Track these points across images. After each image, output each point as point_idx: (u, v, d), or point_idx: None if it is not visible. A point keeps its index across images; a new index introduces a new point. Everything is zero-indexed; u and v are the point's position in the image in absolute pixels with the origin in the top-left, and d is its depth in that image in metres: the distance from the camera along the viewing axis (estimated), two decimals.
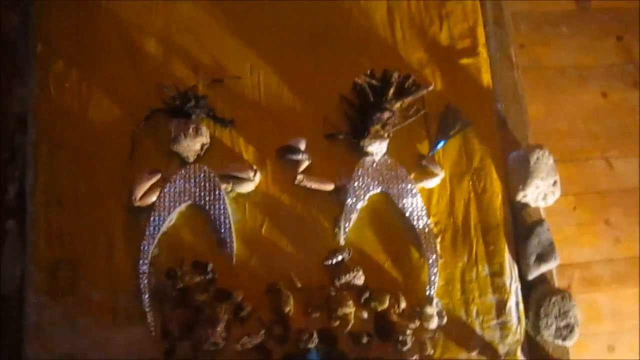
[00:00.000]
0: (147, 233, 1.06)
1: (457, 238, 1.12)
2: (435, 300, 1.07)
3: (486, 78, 1.21)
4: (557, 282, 1.16)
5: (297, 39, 1.20)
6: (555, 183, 1.14)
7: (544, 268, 1.11)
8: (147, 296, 1.03)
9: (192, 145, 1.08)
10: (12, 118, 1.14)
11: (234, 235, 1.08)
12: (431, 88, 1.15)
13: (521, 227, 1.14)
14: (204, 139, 1.09)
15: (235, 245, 1.07)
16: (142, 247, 1.05)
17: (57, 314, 1.03)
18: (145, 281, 1.04)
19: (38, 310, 1.04)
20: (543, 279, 1.13)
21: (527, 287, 1.12)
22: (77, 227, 1.07)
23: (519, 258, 1.12)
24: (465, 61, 1.22)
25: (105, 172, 1.10)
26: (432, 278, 1.08)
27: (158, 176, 1.08)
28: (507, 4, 1.30)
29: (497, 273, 1.11)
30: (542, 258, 1.11)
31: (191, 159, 1.09)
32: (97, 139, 1.11)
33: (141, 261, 1.05)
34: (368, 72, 1.13)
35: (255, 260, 1.08)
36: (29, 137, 1.12)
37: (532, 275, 1.11)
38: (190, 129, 1.07)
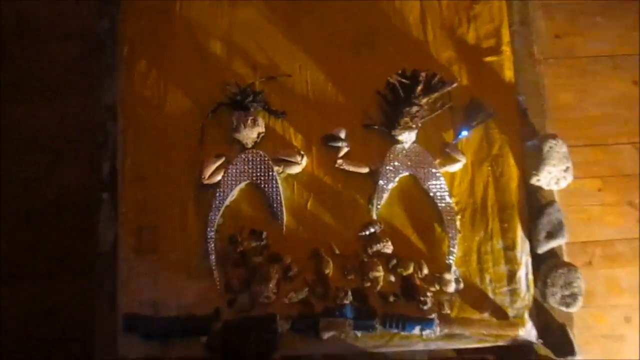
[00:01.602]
0: (213, 206, 1.20)
1: (476, 216, 1.22)
2: (453, 269, 1.19)
3: (508, 74, 1.29)
4: (568, 257, 1.24)
5: (340, 41, 1.31)
6: (567, 169, 1.20)
7: (552, 244, 1.20)
8: (213, 257, 1.18)
9: (250, 133, 1.22)
10: (105, 109, 1.29)
11: (284, 209, 1.21)
12: (455, 85, 1.23)
13: (535, 206, 1.23)
14: (260, 128, 1.24)
15: (285, 217, 1.21)
16: (209, 217, 1.20)
17: (143, 269, 1.19)
18: (212, 245, 1.19)
19: (127, 265, 1.20)
20: (553, 253, 1.22)
21: (539, 260, 1.22)
22: (157, 200, 1.22)
23: (531, 234, 1.22)
24: (489, 59, 1.29)
25: (180, 154, 1.24)
26: (452, 249, 1.20)
27: (222, 159, 1.23)
28: (533, 4, 1.36)
29: (509, 247, 1.21)
30: (551, 235, 1.20)
31: (249, 145, 1.23)
32: (173, 127, 1.26)
33: (209, 229, 1.19)
34: (399, 72, 1.24)
35: (301, 230, 1.21)
36: (118, 124, 1.26)
37: (542, 249, 1.21)
38: (249, 120, 1.21)
